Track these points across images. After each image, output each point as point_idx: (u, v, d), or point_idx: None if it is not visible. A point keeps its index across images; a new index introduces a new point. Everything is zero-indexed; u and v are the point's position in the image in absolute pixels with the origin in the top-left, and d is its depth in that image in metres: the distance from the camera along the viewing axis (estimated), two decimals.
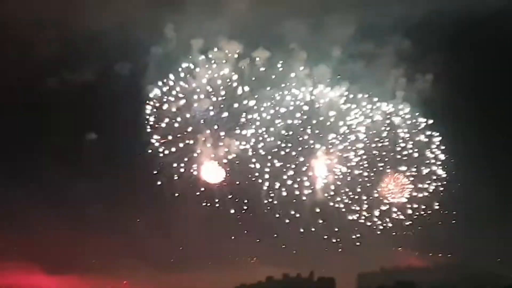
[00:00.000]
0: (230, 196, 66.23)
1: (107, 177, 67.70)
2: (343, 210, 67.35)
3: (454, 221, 67.46)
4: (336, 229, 67.32)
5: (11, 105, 66.40)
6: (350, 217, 67.40)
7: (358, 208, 67.59)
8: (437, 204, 67.92)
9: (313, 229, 66.55)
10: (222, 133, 66.06)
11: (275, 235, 66.55)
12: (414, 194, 68.38)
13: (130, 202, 67.48)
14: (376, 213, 68.06)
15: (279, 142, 66.79)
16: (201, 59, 65.71)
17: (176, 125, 66.10)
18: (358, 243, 66.96)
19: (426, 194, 68.24)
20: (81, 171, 67.07)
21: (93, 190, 67.43)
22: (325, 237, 66.57)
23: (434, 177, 68.40)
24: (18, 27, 66.03)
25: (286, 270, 66.23)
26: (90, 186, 67.20)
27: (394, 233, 68.05)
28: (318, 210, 66.35)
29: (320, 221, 66.57)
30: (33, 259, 66.60)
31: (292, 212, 66.55)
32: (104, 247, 68.08)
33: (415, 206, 68.06)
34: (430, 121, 68.26)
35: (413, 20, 65.04)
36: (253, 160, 66.24)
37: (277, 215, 66.06)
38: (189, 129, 65.96)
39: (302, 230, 66.70)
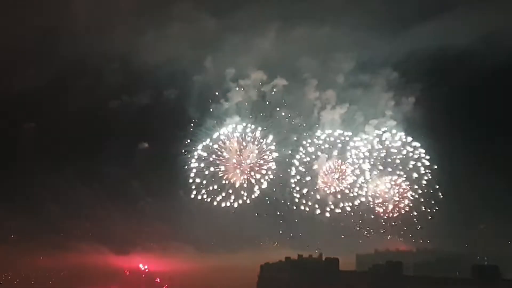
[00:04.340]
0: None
1: (155, 177, 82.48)
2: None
3: (430, 218, 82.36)
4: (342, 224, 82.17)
5: (82, 123, 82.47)
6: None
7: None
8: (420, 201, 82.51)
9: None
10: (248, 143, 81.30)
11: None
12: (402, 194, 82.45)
13: (175, 197, 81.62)
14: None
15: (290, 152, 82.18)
16: (233, 85, 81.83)
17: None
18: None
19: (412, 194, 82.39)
20: (135, 173, 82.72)
21: (144, 188, 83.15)
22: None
23: (419, 181, 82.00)
24: (89, 61, 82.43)
25: (300, 252, 76.98)
26: (142, 184, 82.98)
27: (385, 224, 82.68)
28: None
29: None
30: (103, 243, 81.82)
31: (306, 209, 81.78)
32: (156, 233, 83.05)
33: (403, 203, 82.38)
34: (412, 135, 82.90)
35: (399, 57, 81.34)
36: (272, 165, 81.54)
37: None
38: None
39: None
